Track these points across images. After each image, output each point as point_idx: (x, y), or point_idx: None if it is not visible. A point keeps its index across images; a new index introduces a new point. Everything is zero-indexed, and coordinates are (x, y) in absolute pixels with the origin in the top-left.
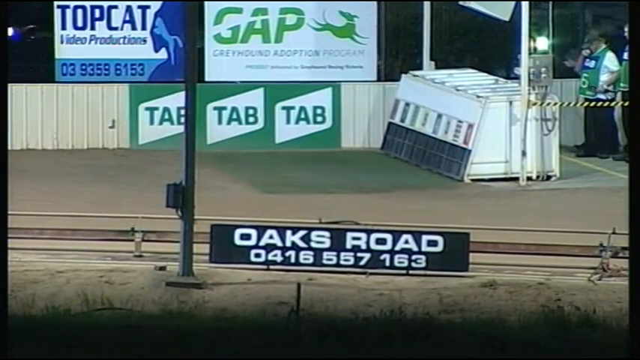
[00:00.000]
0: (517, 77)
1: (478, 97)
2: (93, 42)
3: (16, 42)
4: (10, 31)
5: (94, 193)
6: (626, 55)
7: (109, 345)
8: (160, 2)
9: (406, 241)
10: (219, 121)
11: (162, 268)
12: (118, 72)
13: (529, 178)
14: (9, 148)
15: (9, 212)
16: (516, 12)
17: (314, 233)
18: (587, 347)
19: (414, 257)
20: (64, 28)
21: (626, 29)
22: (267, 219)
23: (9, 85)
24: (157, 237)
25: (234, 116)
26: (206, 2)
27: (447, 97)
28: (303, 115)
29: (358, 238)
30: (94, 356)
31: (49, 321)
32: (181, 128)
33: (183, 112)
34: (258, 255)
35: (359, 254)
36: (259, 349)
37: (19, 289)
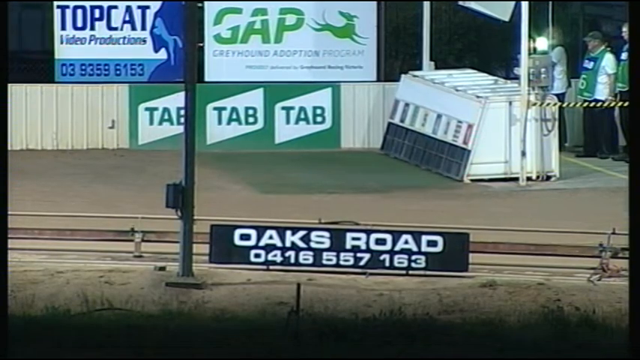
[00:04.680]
0: (517, 77)
1: (478, 97)
2: (93, 42)
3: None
4: None
5: (93, 193)
6: (624, 56)
7: (109, 345)
8: (160, 2)
9: (406, 242)
10: (219, 122)
11: (162, 269)
12: (118, 72)
13: (529, 179)
14: (11, 148)
15: (10, 212)
16: (516, 12)
17: (314, 233)
18: (587, 347)
19: (413, 257)
20: (63, 28)
21: (624, 29)
22: (267, 219)
23: (9, 85)
24: (156, 237)
25: (234, 116)
26: (206, 3)
27: (447, 98)
28: (302, 116)
29: (358, 239)
30: (94, 356)
31: (49, 321)
32: (181, 128)
33: (182, 112)
34: (257, 255)
35: (359, 254)
36: (259, 349)
37: (18, 290)
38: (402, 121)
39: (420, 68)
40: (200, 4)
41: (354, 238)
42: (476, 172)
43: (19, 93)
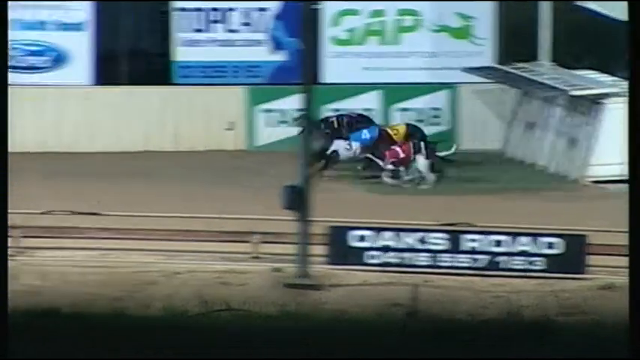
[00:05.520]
0: None
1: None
2: (210, 44)
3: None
4: None
5: (211, 194)
6: None
7: (228, 346)
8: (279, 5)
9: (523, 243)
10: None
11: (279, 270)
12: (235, 74)
13: None
14: (131, 150)
15: (129, 214)
16: None
17: (430, 235)
18: None
19: (531, 259)
20: (182, 31)
21: None
22: (384, 221)
23: (128, 87)
24: (273, 239)
25: None
26: (323, 4)
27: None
28: (419, 117)
29: (475, 240)
30: (212, 356)
31: (167, 322)
32: (298, 130)
33: (299, 114)
34: (374, 257)
35: (475, 256)
36: (376, 350)
37: (136, 291)
38: None
39: None
40: (318, 6)
41: (470, 240)
42: (594, 174)
43: (137, 95)
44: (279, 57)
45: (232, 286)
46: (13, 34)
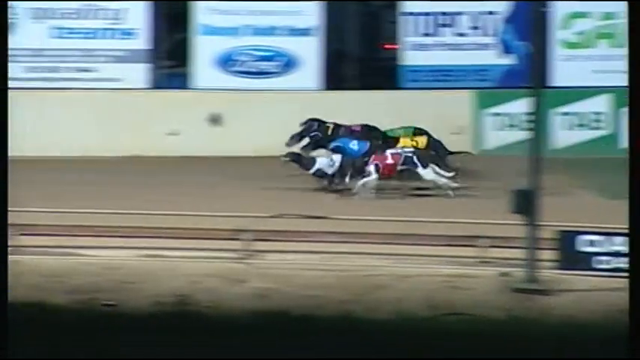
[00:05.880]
0: None
1: None
2: (439, 48)
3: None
4: None
5: (438, 198)
6: None
7: (453, 350)
8: (508, 8)
9: None
10: (566, 127)
11: (506, 274)
12: (464, 78)
13: None
14: None
15: (357, 217)
16: None
17: None
18: None
19: None
20: (410, 35)
21: None
22: (615, 225)
23: (356, 91)
24: (500, 243)
25: (581, 122)
26: (554, 4)
27: None
28: None
29: None
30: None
31: (394, 325)
32: (526, 134)
33: (528, 117)
34: (604, 262)
35: None
36: (605, 355)
37: (364, 294)
38: None
39: None
40: (548, 9)
41: None
42: None
43: (365, 99)
44: (508, 60)
45: (460, 290)
46: (244, 40)
